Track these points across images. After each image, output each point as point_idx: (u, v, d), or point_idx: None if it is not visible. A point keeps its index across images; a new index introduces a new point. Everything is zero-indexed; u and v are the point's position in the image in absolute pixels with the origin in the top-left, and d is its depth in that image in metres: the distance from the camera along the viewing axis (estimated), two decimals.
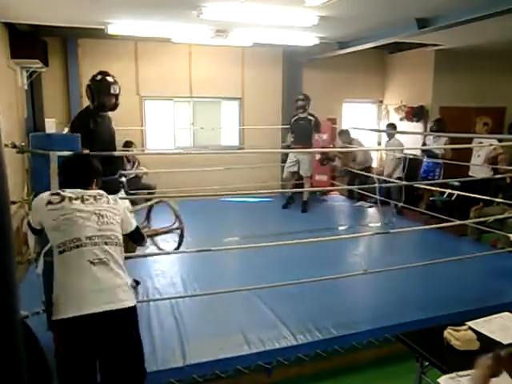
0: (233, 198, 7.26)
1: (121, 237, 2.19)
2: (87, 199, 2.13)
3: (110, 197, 2.25)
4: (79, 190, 2.16)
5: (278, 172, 7.82)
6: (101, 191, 2.24)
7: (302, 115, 6.57)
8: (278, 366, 2.91)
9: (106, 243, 2.08)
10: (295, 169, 6.63)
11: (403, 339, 2.30)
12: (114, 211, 2.18)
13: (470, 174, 5.90)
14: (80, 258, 2.01)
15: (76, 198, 2.11)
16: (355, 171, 6.99)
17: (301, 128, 6.52)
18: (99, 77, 3.26)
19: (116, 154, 2.83)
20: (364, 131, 7.94)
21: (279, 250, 4.20)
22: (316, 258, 4.39)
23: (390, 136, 6.89)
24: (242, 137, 8.13)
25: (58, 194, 2.13)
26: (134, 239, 2.43)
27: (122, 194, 3.23)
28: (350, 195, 7.85)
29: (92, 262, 2.02)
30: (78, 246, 2.02)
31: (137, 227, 2.39)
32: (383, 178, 6.49)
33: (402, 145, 6.74)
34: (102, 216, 2.12)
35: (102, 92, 3.28)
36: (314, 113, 6.63)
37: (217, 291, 3.24)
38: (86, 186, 2.23)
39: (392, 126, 7.19)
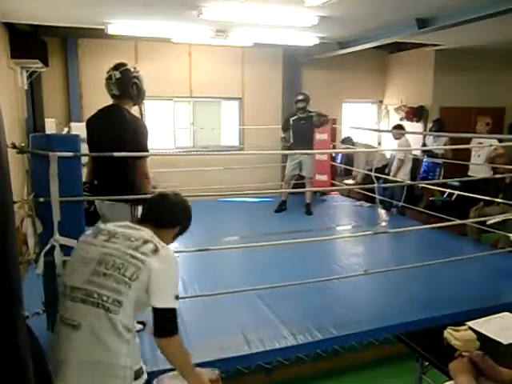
0: (233, 198, 7.25)
1: (121, 299, 1.59)
2: (117, 238, 1.71)
3: (151, 245, 1.69)
4: (127, 225, 1.81)
5: (278, 172, 7.82)
6: (148, 238, 1.73)
7: (301, 115, 6.41)
8: (278, 366, 2.91)
9: (83, 301, 1.60)
10: (297, 171, 6.49)
11: (403, 339, 2.31)
12: (136, 263, 1.62)
13: (470, 173, 5.90)
14: (60, 310, 1.68)
15: (105, 234, 1.76)
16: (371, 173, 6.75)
17: (301, 129, 6.37)
18: (132, 68, 3.02)
19: (116, 154, 2.80)
20: (363, 131, 7.93)
21: (279, 250, 4.19)
22: (316, 257, 4.39)
23: (399, 136, 6.72)
24: (242, 137, 8.13)
25: (98, 228, 1.83)
26: (156, 324, 1.65)
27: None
28: (369, 200, 7.12)
29: (62, 320, 1.63)
30: (62, 295, 1.69)
31: (168, 310, 1.64)
32: (391, 178, 6.41)
33: (409, 145, 6.69)
34: (101, 263, 1.64)
35: (143, 82, 3.05)
36: (312, 110, 6.48)
37: (217, 292, 3.24)
38: (156, 226, 1.85)
39: (399, 127, 7.05)
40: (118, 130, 2.87)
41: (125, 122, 2.88)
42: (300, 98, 6.43)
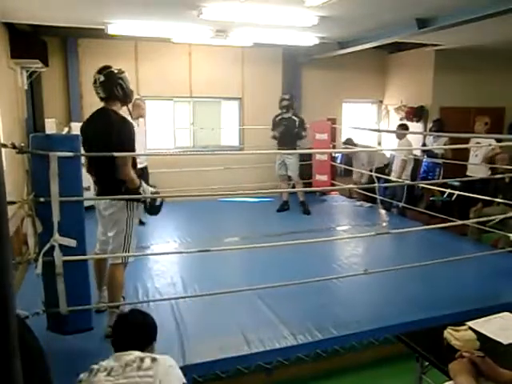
0: (233, 198, 7.26)
1: None
2: (116, 370, 1.76)
3: (148, 358, 1.79)
4: (120, 356, 1.81)
5: None
6: (142, 355, 1.81)
7: (285, 115, 6.33)
8: (278, 366, 2.91)
9: None
10: (283, 171, 6.46)
11: (403, 339, 2.30)
12: (146, 379, 1.73)
13: (468, 173, 5.92)
14: None
15: (104, 370, 1.78)
16: (368, 173, 6.81)
17: (284, 129, 6.31)
18: (116, 69, 3.06)
19: (116, 155, 2.81)
20: (361, 131, 7.93)
21: (279, 250, 4.20)
22: (316, 257, 4.40)
23: (401, 136, 6.71)
24: (242, 137, 8.13)
25: (91, 369, 1.79)
26: None
27: (141, 208, 3.14)
28: (371, 200, 7.16)
29: None
30: None
31: None
32: (393, 178, 6.40)
33: (411, 145, 6.69)
34: None
35: (128, 82, 3.10)
36: (298, 113, 6.42)
37: (217, 291, 3.24)
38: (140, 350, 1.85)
39: (403, 127, 7.05)
40: (104, 132, 2.94)
41: (110, 124, 2.94)
42: (285, 97, 6.41)
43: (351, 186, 7.38)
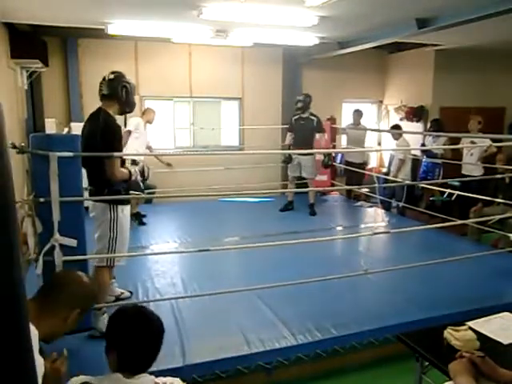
0: (233, 198, 7.26)
1: None
2: None
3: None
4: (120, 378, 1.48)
5: (278, 172, 7.83)
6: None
7: (302, 115, 6.33)
8: (278, 366, 2.91)
9: None
10: (297, 173, 6.45)
11: (403, 339, 2.30)
12: None
13: (463, 172, 5.93)
14: None
15: None
16: (352, 169, 6.92)
17: (301, 129, 6.29)
18: (127, 78, 3.14)
19: (116, 154, 2.82)
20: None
21: (279, 250, 4.20)
22: (316, 257, 4.39)
23: (398, 136, 6.72)
24: (242, 137, 8.13)
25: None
26: None
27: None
28: (349, 195, 7.79)
29: None
30: None
31: None
32: (391, 178, 6.41)
33: (408, 145, 6.70)
34: None
35: (134, 93, 3.17)
36: (315, 113, 6.41)
37: (217, 291, 3.25)
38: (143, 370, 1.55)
39: (397, 127, 7.07)
40: (91, 133, 2.94)
41: (97, 125, 2.93)
42: (300, 98, 6.40)
43: (351, 186, 7.40)
